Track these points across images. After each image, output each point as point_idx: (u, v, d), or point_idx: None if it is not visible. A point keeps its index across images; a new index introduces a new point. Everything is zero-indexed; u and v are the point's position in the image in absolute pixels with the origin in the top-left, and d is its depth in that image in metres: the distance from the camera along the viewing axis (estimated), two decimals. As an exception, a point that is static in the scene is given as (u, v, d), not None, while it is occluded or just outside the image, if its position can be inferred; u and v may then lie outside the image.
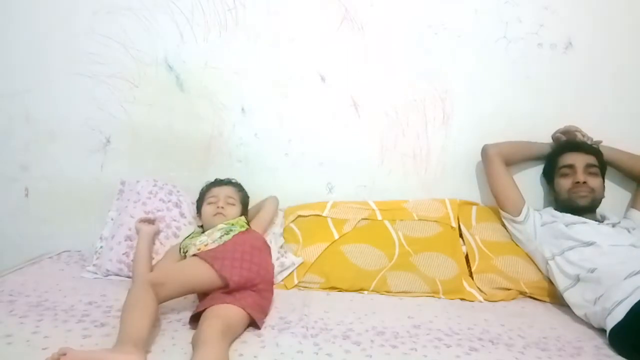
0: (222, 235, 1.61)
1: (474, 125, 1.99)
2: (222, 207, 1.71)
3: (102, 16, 1.97)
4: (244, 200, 1.83)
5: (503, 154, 1.88)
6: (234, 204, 1.76)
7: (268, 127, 2.02)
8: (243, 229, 1.66)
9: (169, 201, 1.86)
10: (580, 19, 1.93)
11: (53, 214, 2.05)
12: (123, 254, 1.73)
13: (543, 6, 1.92)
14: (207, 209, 1.74)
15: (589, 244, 1.60)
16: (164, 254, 1.72)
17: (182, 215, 1.85)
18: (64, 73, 2.00)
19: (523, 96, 1.97)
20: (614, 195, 1.94)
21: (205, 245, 1.58)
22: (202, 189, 1.84)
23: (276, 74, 1.98)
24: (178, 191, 1.93)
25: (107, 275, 1.73)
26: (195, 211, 1.85)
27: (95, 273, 1.75)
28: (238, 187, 1.84)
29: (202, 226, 1.77)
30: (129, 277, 1.71)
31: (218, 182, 1.84)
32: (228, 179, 1.86)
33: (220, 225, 1.66)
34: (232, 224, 1.67)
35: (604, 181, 1.84)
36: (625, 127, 1.94)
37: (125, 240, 1.75)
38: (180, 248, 1.67)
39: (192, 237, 1.68)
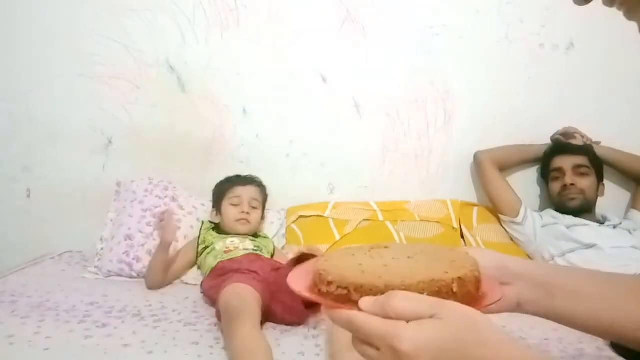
0: (255, 250, 1.62)
1: (476, 126, 1.99)
2: (248, 213, 1.70)
3: (104, 17, 1.97)
4: (265, 202, 1.83)
5: (495, 159, 1.89)
6: (257, 208, 1.76)
7: (269, 128, 2.02)
8: (270, 255, 1.67)
9: (165, 197, 1.87)
10: (582, 20, 1.92)
11: (55, 215, 2.05)
12: (123, 253, 1.73)
13: (545, 7, 1.92)
14: (230, 211, 1.71)
15: (590, 246, 1.60)
16: (177, 253, 1.68)
17: (180, 207, 1.86)
18: (66, 74, 2.00)
19: (525, 97, 1.96)
20: (614, 195, 1.94)
21: (235, 248, 1.60)
22: (221, 184, 1.81)
23: (278, 74, 1.98)
24: (174, 187, 1.93)
25: (108, 276, 1.74)
26: (212, 206, 1.83)
27: (97, 274, 1.75)
28: (262, 187, 1.82)
29: (217, 224, 1.77)
30: (130, 276, 1.71)
31: (242, 180, 1.79)
32: (251, 176, 1.83)
33: (252, 239, 1.68)
34: (261, 244, 1.68)
35: (600, 179, 1.83)
36: (626, 127, 1.94)
37: (125, 240, 1.76)
38: (198, 244, 1.69)
39: (217, 238, 1.67)
